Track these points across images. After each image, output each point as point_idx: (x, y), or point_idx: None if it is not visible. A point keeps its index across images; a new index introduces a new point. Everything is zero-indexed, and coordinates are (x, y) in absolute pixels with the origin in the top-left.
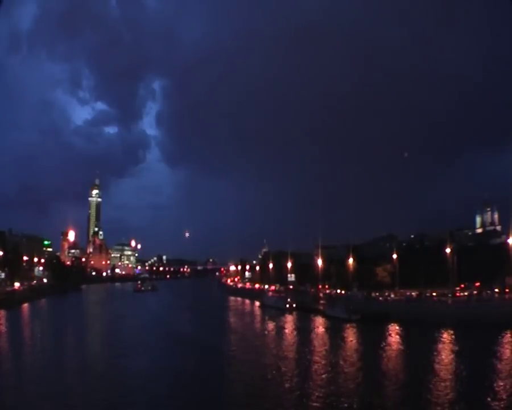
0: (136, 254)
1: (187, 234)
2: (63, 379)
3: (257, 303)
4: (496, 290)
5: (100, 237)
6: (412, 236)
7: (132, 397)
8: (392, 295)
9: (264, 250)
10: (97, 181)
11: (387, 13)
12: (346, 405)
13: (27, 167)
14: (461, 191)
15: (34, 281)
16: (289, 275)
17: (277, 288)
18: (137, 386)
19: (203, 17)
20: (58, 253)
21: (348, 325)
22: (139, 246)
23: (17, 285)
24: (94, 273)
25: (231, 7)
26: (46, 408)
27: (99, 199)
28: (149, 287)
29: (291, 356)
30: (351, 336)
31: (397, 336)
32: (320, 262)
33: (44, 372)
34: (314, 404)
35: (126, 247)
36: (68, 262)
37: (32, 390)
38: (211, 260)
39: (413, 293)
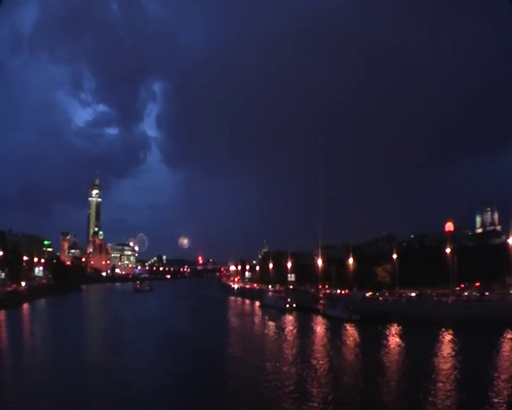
0: (136, 254)
1: (185, 241)
2: (62, 379)
3: (257, 303)
4: (498, 290)
5: (100, 237)
6: (412, 236)
7: (131, 395)
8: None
9: (264, 250)
10: (97, 182)
11: (386, 15)
12: (345, 404)
13: (27, 167)
14: (461, 191)
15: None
16: (289, 275)
17: (277, 288)
18: (135, 385)
19: (203, 20)
20: (58, 253)
21: (348, 325)
22: (136, 248)
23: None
24: (94, 273)
25: (230, 10)
26: (47, 405)
27: (99, 199)
28: (147, 288)
29: (291, 356)
30: (351, 336)
31: (397, 336)
32: (320, 262)
33: (43, 372)
34: (314, 404)
35: (126, 247)
36: (68, 262)
37: (32, 389)
38: (211, 260)
39: (413, 293)
